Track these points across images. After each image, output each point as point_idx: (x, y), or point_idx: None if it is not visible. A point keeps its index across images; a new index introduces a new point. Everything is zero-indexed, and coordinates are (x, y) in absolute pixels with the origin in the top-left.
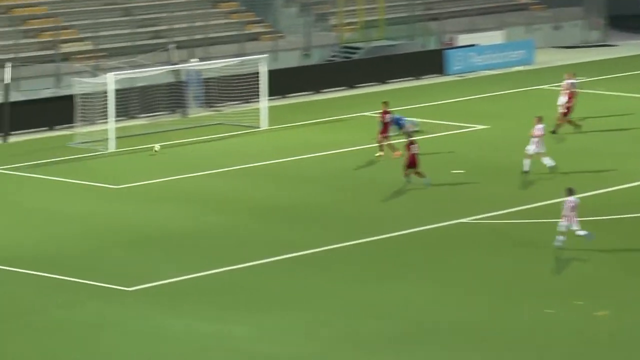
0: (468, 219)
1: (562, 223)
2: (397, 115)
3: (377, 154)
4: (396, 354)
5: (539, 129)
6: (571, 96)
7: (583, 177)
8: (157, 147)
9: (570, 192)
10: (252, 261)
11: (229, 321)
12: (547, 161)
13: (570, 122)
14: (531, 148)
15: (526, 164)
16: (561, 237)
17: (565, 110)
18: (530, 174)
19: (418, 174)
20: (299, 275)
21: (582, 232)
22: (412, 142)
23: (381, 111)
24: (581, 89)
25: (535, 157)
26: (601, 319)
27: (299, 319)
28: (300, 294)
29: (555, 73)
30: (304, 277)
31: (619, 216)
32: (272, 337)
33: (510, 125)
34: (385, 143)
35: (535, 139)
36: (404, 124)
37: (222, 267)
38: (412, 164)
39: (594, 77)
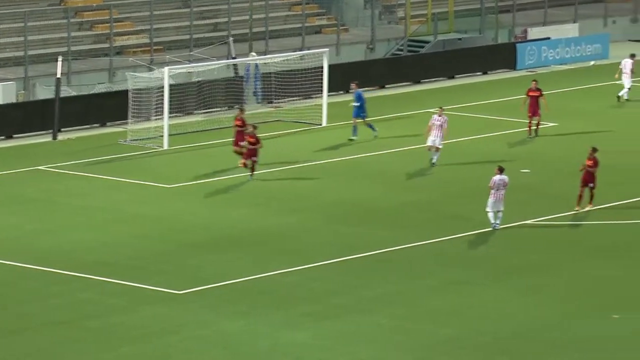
0: (532, 220)
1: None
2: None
3: None
4: None
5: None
6: None
7: None
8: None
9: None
10: (316, 262)
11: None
12: None
13: None
14: None
15: None
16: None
17: None
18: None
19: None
20: (365, 277)
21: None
22: None
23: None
24: None
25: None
26: None
27: (363, 325)
28: (367, 298)
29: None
30: (371, 279)
31: None
32: (334, 343)
33: (579, 122)
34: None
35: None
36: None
37: (284, 269)
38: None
39: None
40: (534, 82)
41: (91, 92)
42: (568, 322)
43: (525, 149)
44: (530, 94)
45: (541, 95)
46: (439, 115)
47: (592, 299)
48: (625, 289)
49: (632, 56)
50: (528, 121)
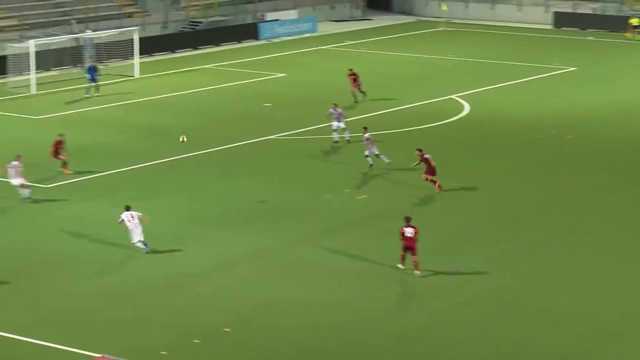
0: (275, 135)
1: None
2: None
3: None
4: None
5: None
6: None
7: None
8: (184, 138)
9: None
10: (135, 165)
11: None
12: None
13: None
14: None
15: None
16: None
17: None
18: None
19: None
20: (174, 173)
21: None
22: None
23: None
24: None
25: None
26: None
27: (173, 203)
28: (174, 186)
29: (333, 38)
30: (178, 174)
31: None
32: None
33: (300, 72)
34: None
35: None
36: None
37: (119, 168)
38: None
39: (358, 40)
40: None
41: None
42: (290, 197)
43: (266, 88)
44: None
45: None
46: (334, 109)
47: None
48: None
49: None
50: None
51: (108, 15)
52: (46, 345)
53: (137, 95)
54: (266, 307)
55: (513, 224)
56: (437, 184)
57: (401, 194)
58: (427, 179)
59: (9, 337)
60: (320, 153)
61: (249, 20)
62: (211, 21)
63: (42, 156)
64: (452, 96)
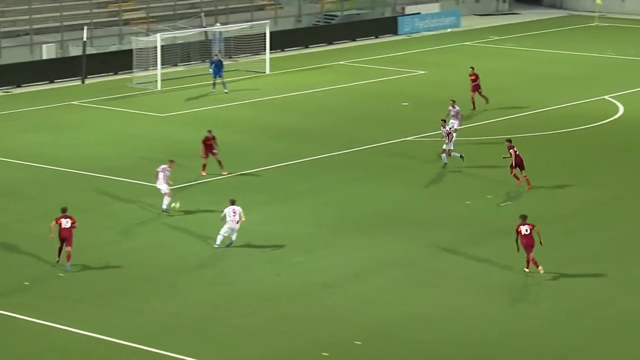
0: (412, 137)
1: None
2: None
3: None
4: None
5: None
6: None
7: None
8: (177, 205)
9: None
10: (264, 166)
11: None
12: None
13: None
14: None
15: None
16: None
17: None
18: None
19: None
20: (307, 175)
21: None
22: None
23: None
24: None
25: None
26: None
27: (305, 207)
28: (307, 189)
29: (477, 33)
30: (311, 177)
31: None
32: (278, 221)
33: (443, 71)
34: None
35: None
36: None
37: (248, 169)
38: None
39: (505, 36)
40: (471, 69)
41: (107, 50)
42: (428, 203)
43: (404, 87)
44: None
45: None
46: (452, 107)
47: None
48: None
49: None
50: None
51: (238, 7)
52: (169, 356)
53: (267, 93)
54: (402, 320)
55: None
56: (525, 180)
57: (545, 202)
58: (512, 173)
59: (134, 347)
60: (456, 157)
61: (388, 13)
62: (347, 15)
63: (169, 155)
64: (605, 97)
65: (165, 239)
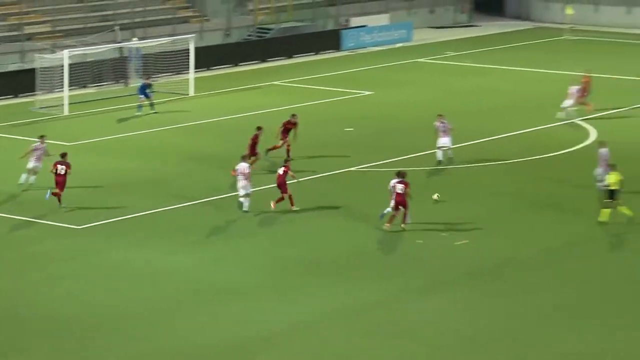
0: (355, 167)
1: None
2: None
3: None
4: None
5: None
6: None
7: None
8: (436, 196)
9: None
10: (191, 201)
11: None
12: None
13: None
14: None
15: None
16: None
17: None
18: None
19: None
20: (232, 213)
21: None
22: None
23: None
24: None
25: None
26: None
27: (234, 249)
28: (241, 226)
29: (431, 49)
30: (237, 215)
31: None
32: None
33: (392, 91)
34: None
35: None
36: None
37: (165, 207)
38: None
39: (463, 51)
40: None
41: (6, 70)
42: (378, 242)
43: (348, 110)
44: None
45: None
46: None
47: None
48: None
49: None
50: None
51: (159, 20)
52: None
53: (188, 118)
54: None
55: None
56: None
57: (506, 242)
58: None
59: None
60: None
61: (330, 26)
62: (284, 28)
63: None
64: (577, 120)
65: (77, 287)
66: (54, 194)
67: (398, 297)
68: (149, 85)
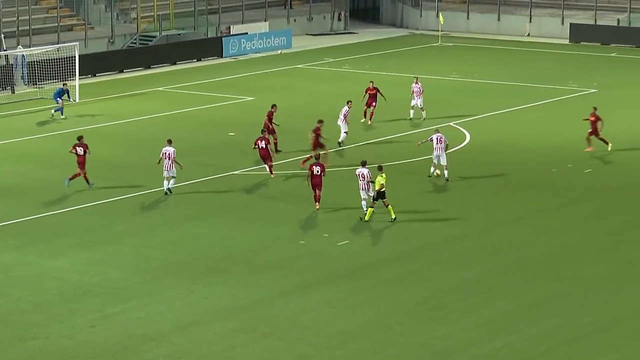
0: (239, 171)
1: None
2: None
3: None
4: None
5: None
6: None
7: None
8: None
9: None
10: (80, 204)
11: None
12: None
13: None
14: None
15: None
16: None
17: None
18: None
19: None
20: (128, 214)
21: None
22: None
23: None
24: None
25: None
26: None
27: (117, 252)
28: (127, 230)
29: (310, 55)
30: (132, 216)
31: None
32: (88, 267)
33: (273, 96)
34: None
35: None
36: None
37: (56, 210)
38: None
39: (340, 57)
40: (371, 83)
41: None
42: (262, 243)
43: (230, 116)
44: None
45: (378, 92)
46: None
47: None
48: None
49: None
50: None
51: (43, 28)
52: None
53: (74, 124)
54: None
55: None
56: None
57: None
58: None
59: None
60: (282, 191)
61: (212, 34)
62: (166, 35)
63: None
64: (450, 124)
65: None
66: (75, 176)
67: (274, 297)
68: (66, 91)
